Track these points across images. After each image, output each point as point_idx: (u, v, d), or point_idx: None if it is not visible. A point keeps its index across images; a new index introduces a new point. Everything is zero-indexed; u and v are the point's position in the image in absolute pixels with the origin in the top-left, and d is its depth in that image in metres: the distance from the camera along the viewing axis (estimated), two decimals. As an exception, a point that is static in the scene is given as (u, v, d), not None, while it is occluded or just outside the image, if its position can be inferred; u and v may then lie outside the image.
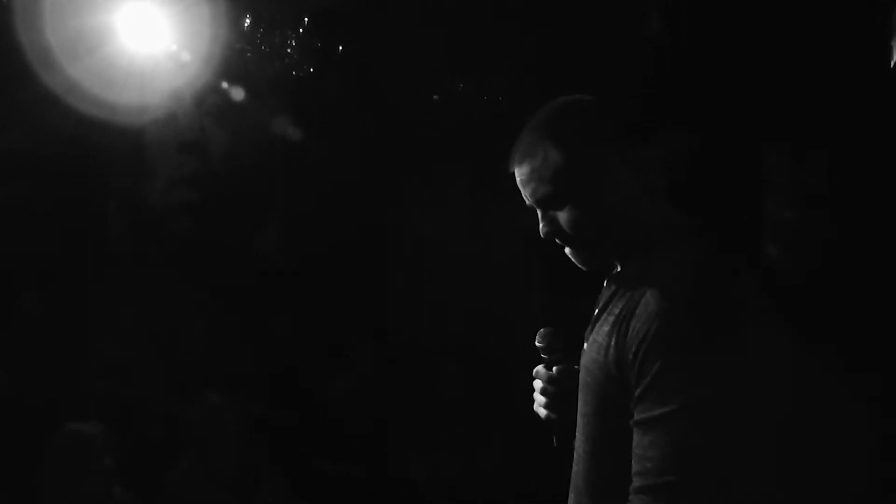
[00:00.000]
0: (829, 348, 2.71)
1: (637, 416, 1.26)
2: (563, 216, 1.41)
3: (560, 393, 1.53)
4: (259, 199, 4.30)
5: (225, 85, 3.74)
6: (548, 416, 1.55)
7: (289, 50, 3.55)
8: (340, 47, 3.60)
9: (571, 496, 1.46)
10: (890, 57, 2.66)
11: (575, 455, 1.45)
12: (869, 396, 2.75)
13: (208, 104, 3.92)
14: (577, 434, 1.43)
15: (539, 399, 1.56)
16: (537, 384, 1.57)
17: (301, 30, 3.50)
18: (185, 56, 3.43)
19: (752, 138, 3.36)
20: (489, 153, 4.21)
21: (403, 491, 3.68)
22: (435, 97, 3.85)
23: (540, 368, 1.56)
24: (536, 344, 1.55)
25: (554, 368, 1.54)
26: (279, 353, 4.03)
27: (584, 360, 1.41)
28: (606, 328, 1.34)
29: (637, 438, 1.26)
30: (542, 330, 1.55)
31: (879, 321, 2.97)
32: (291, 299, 4.19)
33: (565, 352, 1.55)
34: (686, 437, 1.21)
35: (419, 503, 3.66)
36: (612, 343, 1.30)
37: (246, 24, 3.44)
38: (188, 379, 3.66)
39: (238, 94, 3.76)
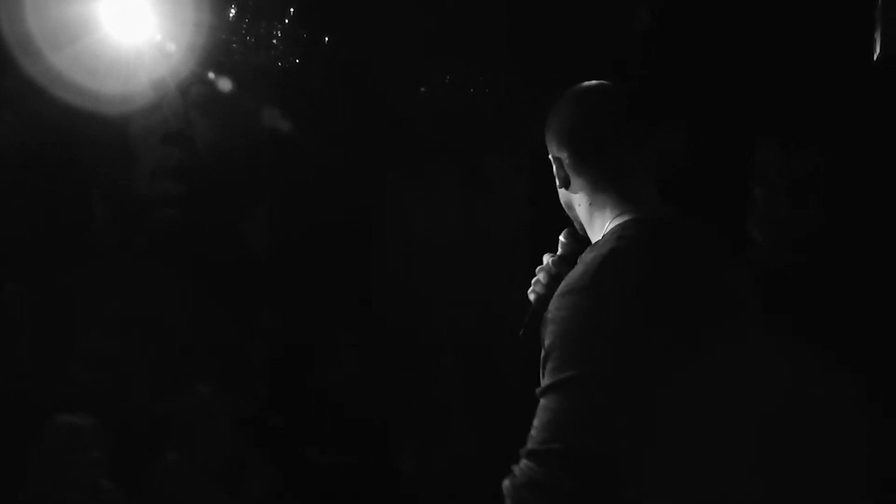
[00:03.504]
0: (814, 340, 2.74)
1: (538, 389, 1.37)
2: None
3: (550, 282, 1.59)
4: (245, 190, 4.28)
5: (210, 75, 3.72)
6: (535, 299, 1.62)
7: (274, 41, 3.54)
8: (326, 38, 3.59)
9: None
10: (873, 49, 2.68)
11: None
12: (854, 387, 2.77)
13: (194, 94, 3.90)
14: None
15: (535, 281, 1.64)
16: (539, 269, 1.65)
17: (287, 20, 3.48)
18: (170, 46, 3.41)
19: (741, 131, 3.37)
20: (477, 144, 4.23)
21: (393, 482, 3.69)
22: (422, 88, 3.85)
23: (548, 256, 1.65)
24: (560, 238, 1.64)
25: (555, 258, 1.64)
26: (268, 343, 4.02)
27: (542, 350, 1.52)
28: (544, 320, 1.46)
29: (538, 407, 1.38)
30: (568, 231, 1.63)
31: (867, 314, 2.99)
32: (279, 290, 4.18)
33: (571, 250, 1.63)
34: (560, 409, 1.31)
35: (409, 494, 3.67)
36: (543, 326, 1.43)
37: (231, 14, 3.42)
38: (176, 370, 3.65)
39: (224, 84, 3.74)
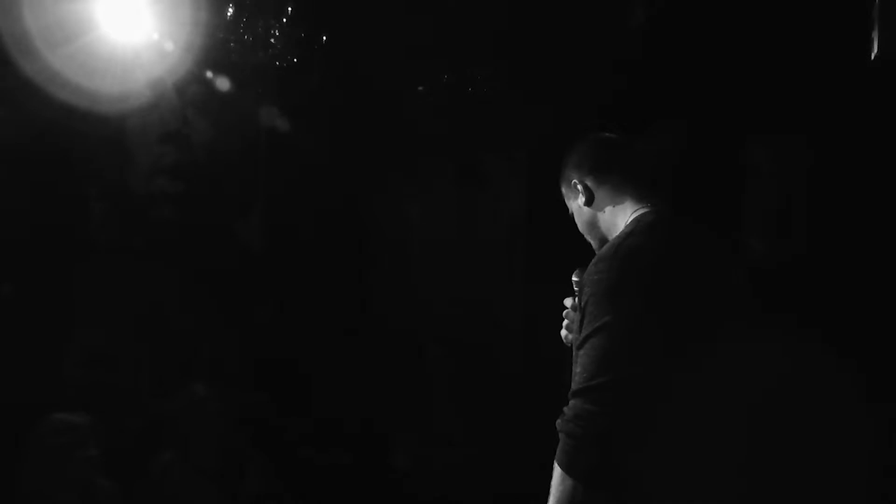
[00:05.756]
0: (807, 340, 2.75)
1: (576, 344, 1.68)
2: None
3: (576, 318, 1.87)
4: (243, 189, 4.28)
5: (208, 74, 3.72)
6: (566, 337, 1.93)
7: (272, 40, 3.54)
8: (324, 37, 3.59)
9: None
10: (871, 48, 2.69)
11: None
12: (849, 387, 2.78)
13: (191, 93, 3.90)
14: None
15: (566, 323, 1.95)
16: (566, 312, 1.94)
17: (285, 19, 3.48)
18: (168, 45, 3.41)
19: (734, 131, 3.38)
20: (473, 143, 4.24)
21: (390, 480, 3.69)
22: (419, 87, 3.85)
23: (569, 300, 1.94)
24: (573, 278, 1.91)
25: (576, 297, 1.92)
26: (263, 342, 4.02)
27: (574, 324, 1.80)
28: (577, 294, 1.79)
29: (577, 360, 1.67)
30: (579, 270, 1.88)
31: (861, 315, 3.00)
32: (275, 289, 4.18)
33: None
34: (600, 349, 1.60)
35: (405, 492, 3.67)
36: (577, 299, 1.77)
37: (229, 13, 3.42)
38: (173, 369, 3.64)
39: (221, 83, 3.74)
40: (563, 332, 1.95)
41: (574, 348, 1.71)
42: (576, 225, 2.00)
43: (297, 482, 3.52)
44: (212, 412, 3.22)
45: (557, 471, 1.61)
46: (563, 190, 1.99)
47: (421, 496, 3.66)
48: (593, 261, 1.72)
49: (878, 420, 2.79)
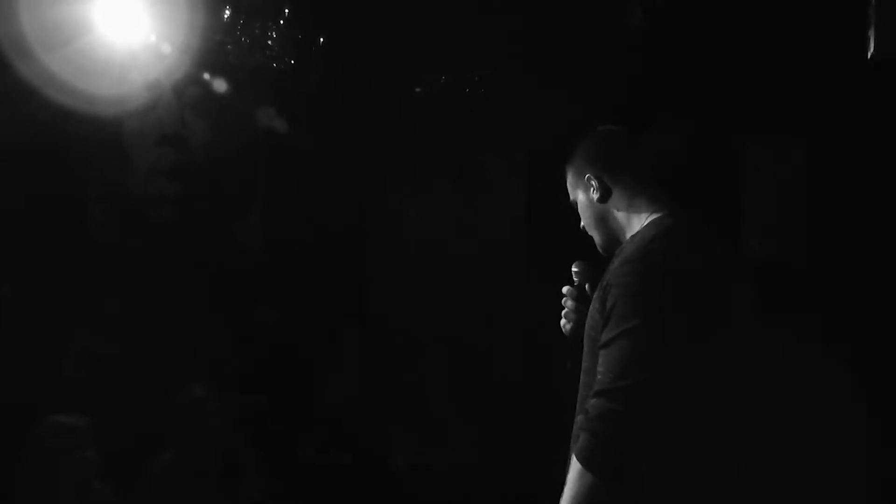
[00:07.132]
0: (805, 340, 2.76)
1: (600, 343, 1.68)
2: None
3: (576, 308, 1.95)
4: (241, 190, 4.28)
5: (205, 76, 3.72)
6: (564, 326, 1.96)
7: (269, 41, 3.53)
8: (321, 38, 3.58)
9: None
10: (867, 48, 2.69)
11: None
12: (849, 388, 2.79)
13: (189, 95, 3.89)
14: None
15: (564, 311, 1.98)
16: (565, 300, 1.98)
17: (282, 21, 3.48)
18: (165, 47, 3.40)
19: (734, 131, 3.39)
20: (471, 144, 4.23)
21: (389, 481, 3.69)
22: (417, 89, 3.85)
23: (568, 288, 1.97)
24: (573, 269, 1.96)
25: (575, 287, 1.97)
26: (262, 343, 4.02)
27: (587, 322, 1.80)
28: (598, 293, 1.75)
29: (599, 359, 1.68)
30: (579, 261, 1.95)
31: (858, 314, 3.01)
32: (274, 290, 4.18)
33: (589, 280, 1.96)
34: (627, 351, 1.62)
35: (405, 493, 3.67)
36: (598, 298, 1.73)
37: (226, 15, 3.41)
38: (171, 370, 3.64)
39: (219, 85, 3.73)
40: (563, 322, 1.95)
41: (595, 347, 1.72)
42: (577, 216, 1.97)
43: (297, 482, 3.52)
44: (211, 412, 3.22)
45: (576, 466, 1.62)
46: (571, 181, 1.95)
47: (421, 496, 3.65)
48: (619, 262, 1.71)
49: (878, 420, 2.79)
